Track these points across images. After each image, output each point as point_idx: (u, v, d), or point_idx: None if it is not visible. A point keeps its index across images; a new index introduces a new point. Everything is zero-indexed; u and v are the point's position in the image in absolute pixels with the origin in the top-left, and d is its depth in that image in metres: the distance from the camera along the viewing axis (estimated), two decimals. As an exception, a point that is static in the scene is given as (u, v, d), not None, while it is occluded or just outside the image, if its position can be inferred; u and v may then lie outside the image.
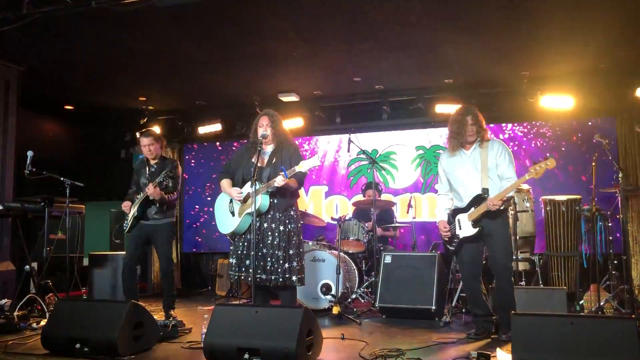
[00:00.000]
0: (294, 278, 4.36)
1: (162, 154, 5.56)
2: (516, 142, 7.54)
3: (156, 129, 8.38)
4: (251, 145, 4.61)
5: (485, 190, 4.30)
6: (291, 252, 4.40)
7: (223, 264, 7.80)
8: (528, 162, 6.95)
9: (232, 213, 4.57)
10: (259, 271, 4.32)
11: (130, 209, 5.35)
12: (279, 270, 4.34)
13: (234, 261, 4.48)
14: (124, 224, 5.40)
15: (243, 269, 4.39)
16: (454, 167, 4.51)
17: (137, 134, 5.45)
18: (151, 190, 5.13)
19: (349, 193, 8.33)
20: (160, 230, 5.33)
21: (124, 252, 5.80)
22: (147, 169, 5.44)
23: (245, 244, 4.41)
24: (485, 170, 4.33)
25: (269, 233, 4.40)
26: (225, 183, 4.63)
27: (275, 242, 4.38)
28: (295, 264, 4.39)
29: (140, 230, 5.33)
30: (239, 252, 4.48)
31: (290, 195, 4.50)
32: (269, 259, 4.35)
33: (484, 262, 4.65)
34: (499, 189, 4.28)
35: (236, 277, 4.52)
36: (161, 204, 5.28)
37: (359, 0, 4.88)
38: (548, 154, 4.13)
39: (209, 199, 8.66)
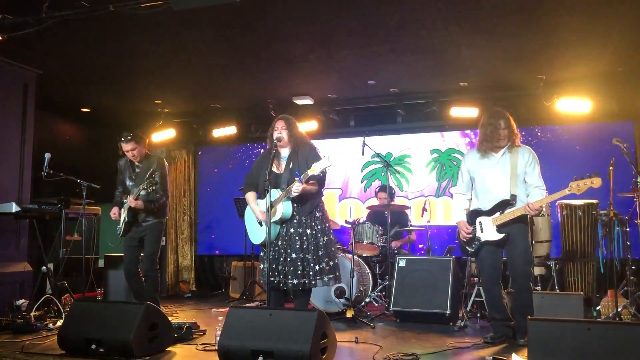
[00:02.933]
0: (325, 278, 4.38)
1: (147, 152, 5.44)
2: (532, 146, 7.46)
3: (171, 132, 8.47)
4: (269, 151, 4.61)
5: (514, 197, 4.25)
6: (320, 253, 4.40)
7: (237, 266, 7.81)
8: (547, 167, 6.89)
9: (260, 223, 4.58)
10: (290, 276, 4.33)
11: (120, 215, 5.31)
12: (311, 273, 4.34)
13: (266, 267, 4.48)
14: (117, 228, 5.38)
15: (276, 274, 4.38)
16: (481, 169, 4.44)
17: (117, 139, 5.30)
18: (133, 203, 5.09)
19: (362, 196, 8.31)
20: (150, 229, 5.28)
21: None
22: (132, 169, 5.37)
23: (275, 249, 4.42)
24: (515, 177, 4.28)
25: (297, 238, 4.39)
26: (249, 197, 4.65)
27: (304, 246, 4.38)
28: (324, 265, 4.39)
29: (132, 233, 5.31)
30: (270, 258, 4.48)
31: (313, 197, 4.48)
32: (299, 263, 4.35)
33: (502, 266, 4.59)
34: (523, 195, 4.25)
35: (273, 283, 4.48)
36: (149, 210, 5.25)
37: (375, 3, 4.87)
38: (593, 173, 3.91)
39: (223, 201, 8.68)
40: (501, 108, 4.56)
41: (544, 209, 6.04)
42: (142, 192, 5.13)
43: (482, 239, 4.36)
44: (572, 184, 3.97)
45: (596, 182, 3.88)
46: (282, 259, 4.37)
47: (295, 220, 4.43)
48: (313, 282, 4.36)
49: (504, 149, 4.37)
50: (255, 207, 4.59)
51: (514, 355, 3.77)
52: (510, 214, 4.22)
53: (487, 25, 5.32)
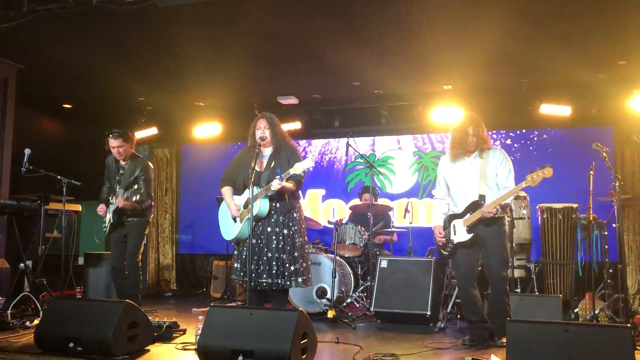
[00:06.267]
0: (299, 280, 4.38)
1: (133, 152, 5.38)
2: (514, 150, 7.56)
3: (154, 130, 8.40)
4: (249, 149, 4.60)
5: (482, 197, 4.29)
6: (296, 254, 4.41)
7: (218, 265, 7.78)
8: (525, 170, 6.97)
9: (234, 219, 4.56)
10: (264, 276, 4.32)
11: (106, 214, 5.27)
12: (286, 273, 4.35)
13: (239, 266, 4.48)
14: (103, 227, 5.34)
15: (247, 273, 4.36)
16: (453, 173, 4.50)
17: (106, 134, 5.26)
18: (121, 203, 5.04)
19: (346, 197, 8.33)
20: (133, 227, 5.26)
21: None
22: (117, 169, 5.32)
23: (248, 248, 4.40)
24: (484, 178, 4.32)
25: (273, 237, 4.40)
26: (226, 191, 4.63)
27: (280, 246, 4.38)
28: (299, 266, 4.40)
29: (118, 232, 5.28)
30: (243, 256, 4.47)
31: (292, 197, 4.50)
32: (274, 263, 4.35)
33: (479, 269, 4.64)
34: (495, 196, 4.26)
35: (240, 282, 4.51)
36: (135, 209, 5.20)
37: (360, 5, 4.88)
38: (546, 164, 4.09)
39: (205, 200, 8.63)
40: (473, 112, 4.64)
41: (525, 212, 6.11)
42: (129, 198, 5.08)
43: (455, 241, 4.41)
44: (528, 177, 4.09)
45: (547, 172, 4.03)
46: (256, 257, 4.36)
47: (272, 220, 4.43)
48: (288, 283, 4.37)
49: (475, 153, 4.42)
50: (230, 201, 4.58)
51: (492, 356, 3.80)
52: (476, 214, 4.26)
53: (471, 30, 5.36)
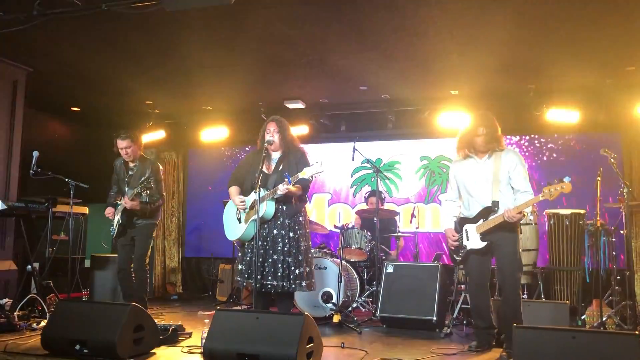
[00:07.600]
0: (303, 284, 4.38)
1: (141, 154, 5.43)
2: (522, 156, 7.52)
3: (162, 133, 8.44)
4: (259, 151, 4.62)
5: (495, 203, 4.18)
6: (300, 258, 4.41)
7: (224, 269, 7.78)
8: (536, 176, 6.95)
9: (239, 220, 4.58)
10: (269, 277, 4.33)
11: (114, 216, 5.30)
12: (291, 276, 4.35)
13: (243, 267, 4.48)
14: (111, 230, 5.37)
15: (253, 276, 4.37)
16: (464, 175, 4.41)
17: (114, 135, 5.33)
18: (129, 204, 5.07)
19: (352, 201, 8.32)
20: (141, 230, 5.29)
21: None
22: (126, 171, 5.36)
23: (254, 250, 4.41)
24: (497, 182, 4.20)
25: (279, 240, 4.40)
26: (232, 191, 4.66)
27: (285, 249, 4.39)
28: (303, 269, 4.40)
29: (126, 234, 5.30)
30: (248, 258, 4.47)
31: (298, 201, 4.51)
32: (279, 265, 4.35)
33: (490, 275, 4.56)
34: (509, 201, 4.16)
35: (244, 284, 4.51)
36: (144, 211, 5.22)
37: (367, 10, 4.89)
38: (565, 178, 3.93)
39: (212, 204, 8.65)
40: (487, 111, 4.53)
41: (532, 218, 6.09)
42: (139, 194, 5.09)
43: (468, 247, 4.32)
44: (545, 190, 3.96)
45: (566, 187, 3.90)
46: (262, 259, 4.36)
47: (279, 222, 4.44)
48: (293, 286, 4.37)
49: (487, 154, 4.32)
50: (235, 197, 4.59)
51: (499, 362, 3.79)
52: (492, 221, 4.16)
53: (478, 35, 5.35)
